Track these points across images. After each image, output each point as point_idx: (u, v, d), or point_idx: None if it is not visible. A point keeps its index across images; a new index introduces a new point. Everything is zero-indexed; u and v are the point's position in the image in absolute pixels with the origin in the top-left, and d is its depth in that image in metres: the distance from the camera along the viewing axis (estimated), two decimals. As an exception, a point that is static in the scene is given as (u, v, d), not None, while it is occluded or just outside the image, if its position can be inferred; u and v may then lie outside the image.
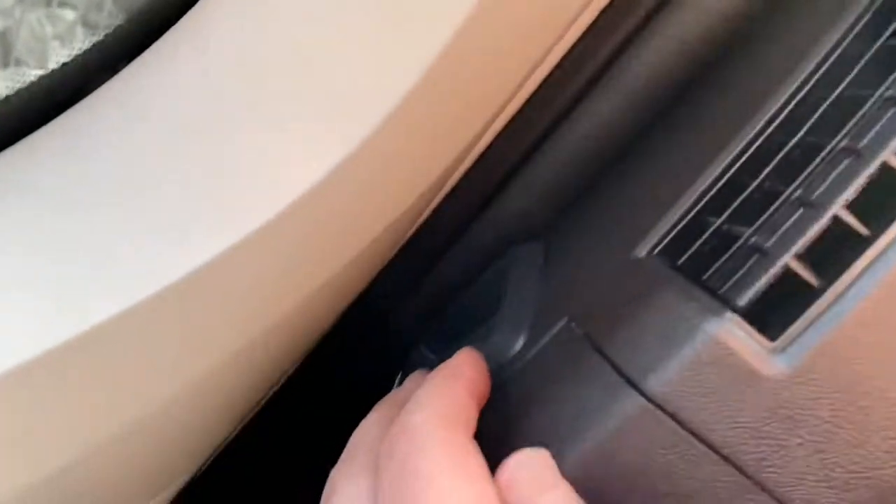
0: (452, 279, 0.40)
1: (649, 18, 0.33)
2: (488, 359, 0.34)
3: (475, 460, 0.25)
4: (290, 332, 0.31)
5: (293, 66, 0.24)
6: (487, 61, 0.28)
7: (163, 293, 0.23)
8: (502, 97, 0.31)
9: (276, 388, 0.36)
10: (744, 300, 0.25)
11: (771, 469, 0.25)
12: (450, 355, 0.40)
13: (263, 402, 0.36)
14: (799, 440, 0.25)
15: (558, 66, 0.33)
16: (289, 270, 0.27)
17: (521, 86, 0.32)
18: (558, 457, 0.27)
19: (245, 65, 0.25)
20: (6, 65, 0.26)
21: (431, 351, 0.43)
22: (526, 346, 0.33)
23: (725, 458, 0.25)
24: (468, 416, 0.27)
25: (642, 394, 0.26)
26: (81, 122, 0.25)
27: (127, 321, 0.23)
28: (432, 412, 0.26)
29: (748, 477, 0.25)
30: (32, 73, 0.25)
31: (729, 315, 0.25)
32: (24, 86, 0.24)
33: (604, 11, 0.33)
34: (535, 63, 0.31)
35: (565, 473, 0.26)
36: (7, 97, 0.24)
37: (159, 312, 0.24)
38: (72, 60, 0.25)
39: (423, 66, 0.25)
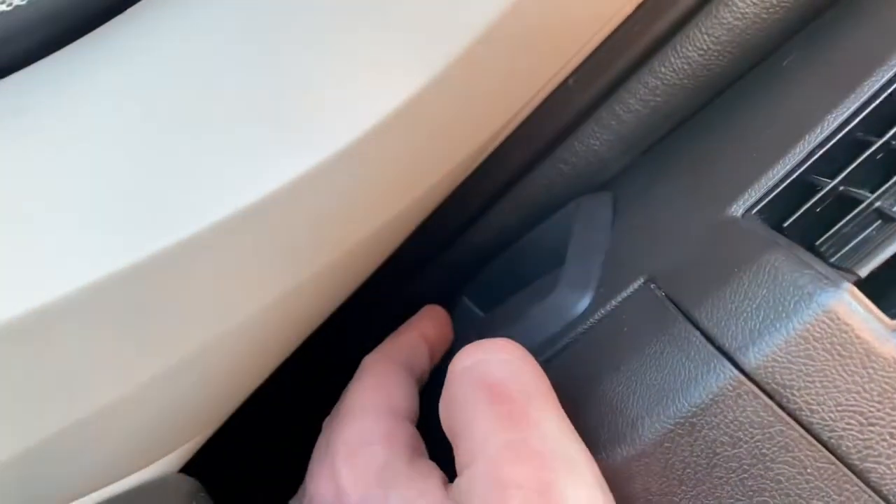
0: (509, 223, 0.37)
1: None
2: (550, 317, 0.31)
3: (394, 380, 0.31)
4: (344, 269, 0.29)
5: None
6: None
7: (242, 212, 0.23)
8: (590, 29, 0.28)
9: (314, 334, 0.34)
10: (864, 271, 0.22)
11: (876, 459, 0.22)
12: (494, 307, 0.38)
13: (302, 345, 0.34)
14: (913, 430, 0.22)
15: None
16: (364, 198, 0.26)
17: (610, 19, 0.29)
18: (638, 425, 0.24)
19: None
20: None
21: (475, 303, 0.41)
22: (593, 306, 0.30)
23: (825, 444, 0.23)
24: (412, 354, 0.33)
25: (739, 368, 0.23)
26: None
27: (206, 241, 0.22)
28: (379, 353, 0.33)
29: (849, 466, 0.23)
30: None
31: (847, 286, 0.22)
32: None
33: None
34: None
35: (646, 442, 0.24)
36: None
37: (239, 233, 0.23)
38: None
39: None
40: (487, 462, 0.24)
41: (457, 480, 0.25)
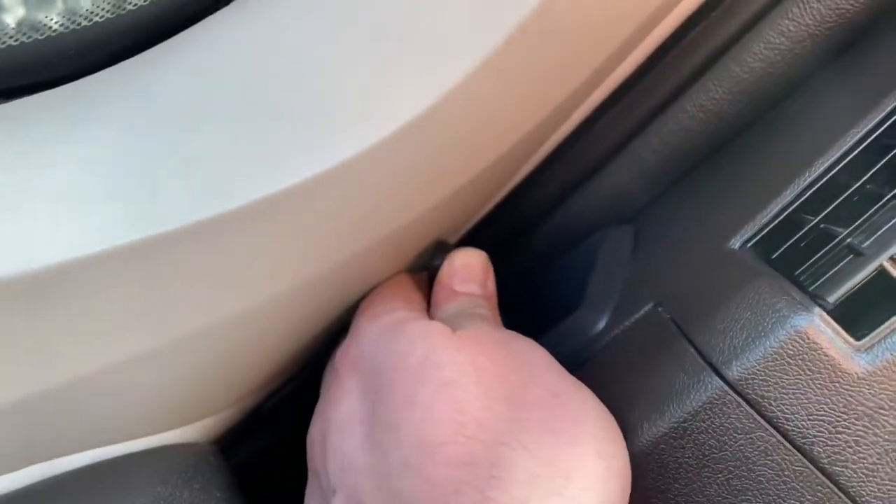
0: (545, 247, 0.41)
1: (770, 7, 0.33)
2: (570, 334, 0.35)
3: (409, 283, 0.36)
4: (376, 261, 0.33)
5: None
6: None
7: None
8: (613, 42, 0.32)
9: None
10: (834, 297, 0.26)
11: (843, 464, 0.26)
12: (526, 322, 0.42)
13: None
14: (874, 438, 0.25)
15: (673, 44, 0.34)
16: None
17: (632, 47, 0.33)
18: (638, 429, 0.28)
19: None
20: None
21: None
22: (609, 326, 0.34)
23: (799, 450, 0.26)
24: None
25: (724, 379, 0.26)
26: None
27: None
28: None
29: (821, 470, 0.26)
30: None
31: (818, 311, 0.25)
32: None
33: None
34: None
35: (644, 444, 0.28)
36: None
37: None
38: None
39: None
40: None
41: None
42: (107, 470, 0.31)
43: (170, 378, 0.31)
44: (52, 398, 0.28)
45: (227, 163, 0.26)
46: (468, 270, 0.36)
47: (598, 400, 0.29)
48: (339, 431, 0.31)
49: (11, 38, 0.25)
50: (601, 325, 0.34)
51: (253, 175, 0.26)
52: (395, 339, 0.31)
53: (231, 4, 0.27)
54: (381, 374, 0.30)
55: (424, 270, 0.37)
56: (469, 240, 0.40)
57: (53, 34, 0.26)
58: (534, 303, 0.41)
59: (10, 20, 0.25)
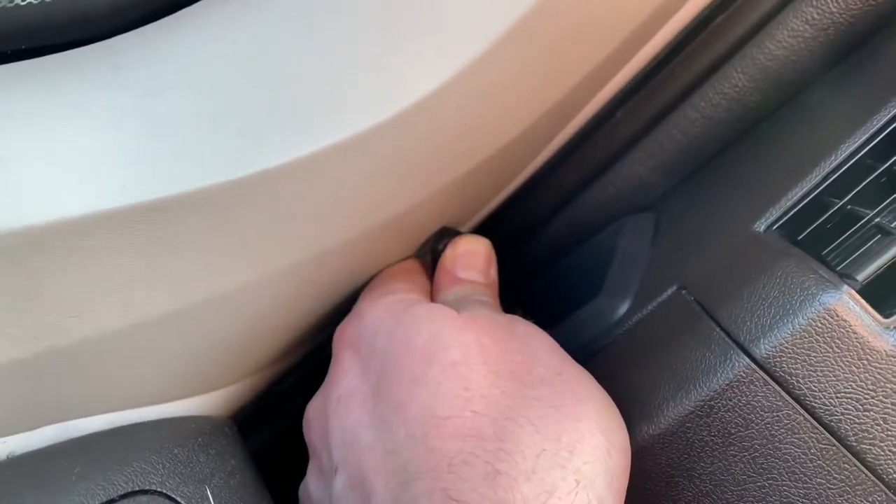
0: (561, 238, 0.41)
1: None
2: (592, 320, 0.35)
3: (415, 267, 0.37)
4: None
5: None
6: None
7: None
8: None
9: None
10: (862, 276, 0.26)
11: (871, 441, 0.26)
12: (542, 312, 0.42)
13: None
14: (903, 416, 0.25)
15: (696, 31, 0.34)
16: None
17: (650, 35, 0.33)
18: (663, 408, 0.28)
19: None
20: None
21: (525, 310, 0.45)
22: (631, 310, 0.34)
23: (826, 427, 0.26)
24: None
25: (752, 358, 0.27)
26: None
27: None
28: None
29: (847, 448, 0.26)
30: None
31: (846, 289, 0.26)
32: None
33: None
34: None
35: (669, 423, 0.28)
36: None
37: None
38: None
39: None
40: None
41: None
42: (124, 432, 0.31)
43: (183, 345, 0.31)
44: (67, 357, 0.29)
45: (240, 131, 0.26)
46: (471, 257, 0.36)
47: (596, 382, 0.30)
48: (340, 410, 0.31)
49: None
50: (622, 310, 0.34)
51: (265, 146, 0.26)
52: (400, 321, 0.31)
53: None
54: (386, 355, 0.31)
55: (430, 255, 0.37)
56: (485, 229, 0.40)
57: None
58: (552, 292, 0.41)
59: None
